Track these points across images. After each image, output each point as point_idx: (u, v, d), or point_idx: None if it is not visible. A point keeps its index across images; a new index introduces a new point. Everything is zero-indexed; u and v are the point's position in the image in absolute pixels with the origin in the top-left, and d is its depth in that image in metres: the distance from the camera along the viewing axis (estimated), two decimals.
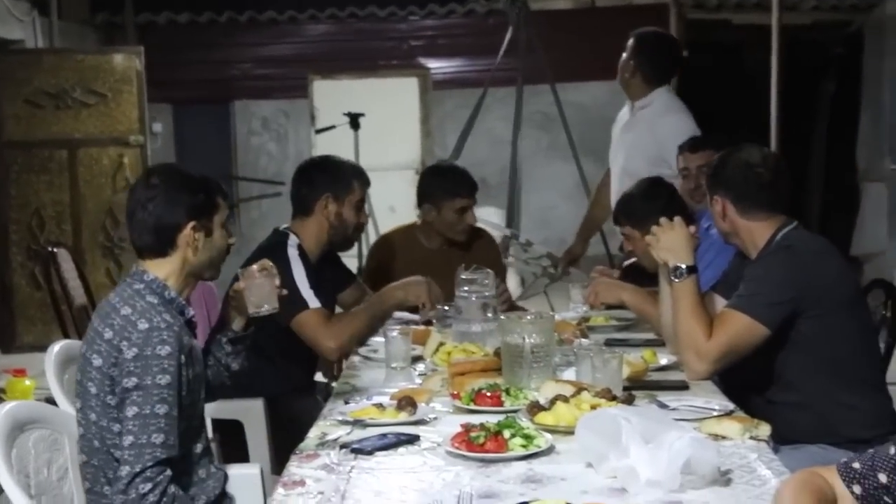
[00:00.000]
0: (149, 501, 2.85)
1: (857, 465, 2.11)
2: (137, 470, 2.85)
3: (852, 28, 11.64)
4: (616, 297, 4.45)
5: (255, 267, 3.47)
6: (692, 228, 3.77)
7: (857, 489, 2.09)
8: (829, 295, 3.52)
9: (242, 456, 4.16)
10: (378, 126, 10.78)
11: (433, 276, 4.57)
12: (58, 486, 3.16)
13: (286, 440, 4.22)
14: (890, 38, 10.50)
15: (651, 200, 4.26)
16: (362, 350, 4.27)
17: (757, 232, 3.64)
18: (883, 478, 2.08)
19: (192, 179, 3.18)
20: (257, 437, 4.25)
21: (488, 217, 8.19)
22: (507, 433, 2.87)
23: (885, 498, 2.08)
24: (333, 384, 4.57)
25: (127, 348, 2.94)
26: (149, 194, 3.11)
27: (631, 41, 5.94)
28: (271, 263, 3.52)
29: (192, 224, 3.12)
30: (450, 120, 12.03)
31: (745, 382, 3.65)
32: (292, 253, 4.32)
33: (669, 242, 3.72)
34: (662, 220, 3.78)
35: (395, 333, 3.87)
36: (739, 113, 11.78)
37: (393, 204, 10.84)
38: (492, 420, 2.98)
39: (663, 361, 3.83)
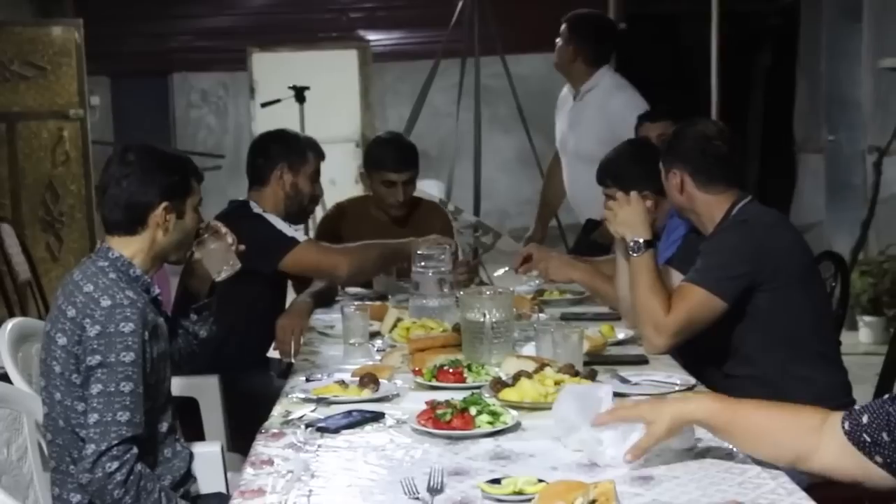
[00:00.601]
0: (115, 480, 2.84)
1: (865, 418, 2.19)
2: (103, 448, 2.84)
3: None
4: (566, 276, 4.47)
5: (205, 235, 3.44)
6: (649, 203, 3.79)
7: (866, 437, 2.17)
8: (784, 268, 3.56)
9: (197, 433, 4.14)
10: (318, 99, 10.70)
11: None
12: (17, 466, 3.13)
13: (241, 417, 4.24)
14: (826, 10, 10.59)
15: (639, 163, 4.15)
16: (319, 326, 4.27)
17: (714, 205, 3.67)
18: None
19: (168, 159, 3.17)
20: (213, 414, 4.23)
21: (428, 189, 8.21)
22: (473, 410, 2.88)
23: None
24: (289, 359, 4.57)
25: (90, 325, 2.92)
26: (124, 171, 3.08)
27: (564, 27, 5.98)
28: (219, 223, 3.50)
29: (164, 204, 3.10)
30: (390, 93, 12.02)
31: (702, 356, 3.69)
32: (258, 210, 4.39)
33: (626, 217, 3.74)
34: (619, 194, 3.80)
35: (351, 309, 3.87)
36: (677, 84, 11.87)
37: (333, 177, 10.77)
38: (456, 397, 2.98)
39: (621, 336, 3.87)
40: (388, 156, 5.21)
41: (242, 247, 3.52)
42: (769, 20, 12.28)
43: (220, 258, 3.43)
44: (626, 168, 4.17)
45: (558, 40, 5.95)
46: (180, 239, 3.21)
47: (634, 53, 11.80)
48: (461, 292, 3.76)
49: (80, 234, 9.24)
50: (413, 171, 5.24)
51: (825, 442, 2.32)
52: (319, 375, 3.49)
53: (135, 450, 2.89)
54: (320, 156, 4.65)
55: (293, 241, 4.34)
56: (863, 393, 3.72)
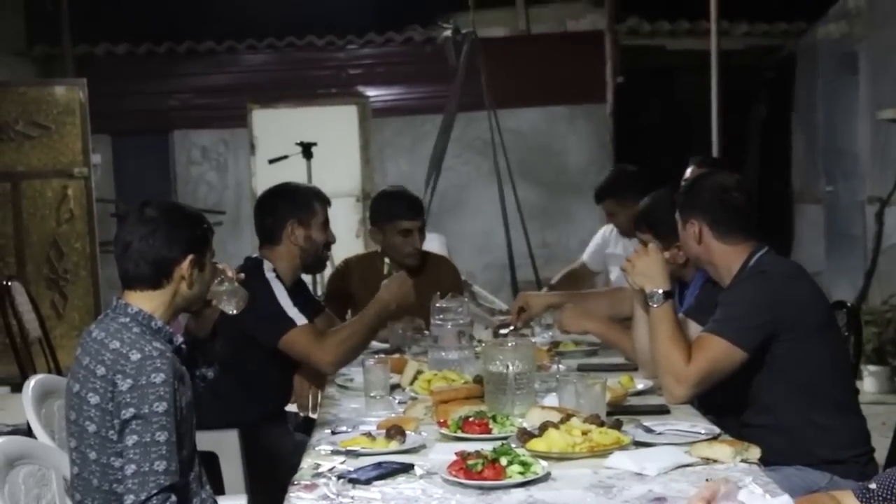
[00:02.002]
0: None
1: (873, 485, 2.18)
2: (143, 498, 2.86)
3: (783, 52, 11.85)
4: (580, 327, 4.51)
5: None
6: (667, 254, 3.83)
7: None
8: (802, 318, 3.59)
9: (216, 487, 4.16)
10: (319, 154, 10.79)
11: None
12: None
13: (259, 471, 4.27)
14: (822, 62, 10.71)
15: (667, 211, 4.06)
16: (339, 380, 4.30)
17: (732, 256, 3.71)
18: None
19: (189, 213, 3.23)
20: (233, 468, 4.25)
21: (429, 242, 8.25)
22: (503, 460, 2.91)
23: None
24: (305, 414, 4.59)
25: (122, 380, 2.94)
26: (149, 226, 3.12)
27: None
28: (224, 264, 3.52)
29: (190, 258, 3.15)
30: (389, 147, 12.09)
31: (721, 406, 3.72)
32: (270, 276, 4.40)
33: (645, 268, 3.78)
34: (637, 246, 3.84)
35: (372, 362, 3.90)
36: (670, 135, 11.98)
37: (334, 232, 10.81)
38: (482, 448, 3.00)
39: (640, 386, 3.89)
40: (402, 205, 5.29)
41: (242, 275, 3.54)
42: (764, 73, 12.39)
43: (233, 296, 3.47)
44: (663, 216, 4.18)
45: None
46: (201, 290, 3.26)
47: (631, 106, 11.94)
48: (483, 345, 3.79)
49: (84, 291, 9.28)
50: (423, 219, 5.32)
51: None
52: (345, 428, 3.51)
53: (174, 498, 2.92)
54: (326, 202, 4.69)
55: (291, 324, 4.30)
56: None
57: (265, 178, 11.98)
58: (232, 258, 12.42)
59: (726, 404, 3.72)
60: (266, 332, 4.30)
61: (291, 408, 4.67)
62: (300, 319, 4.31)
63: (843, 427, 3.65)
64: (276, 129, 11.81)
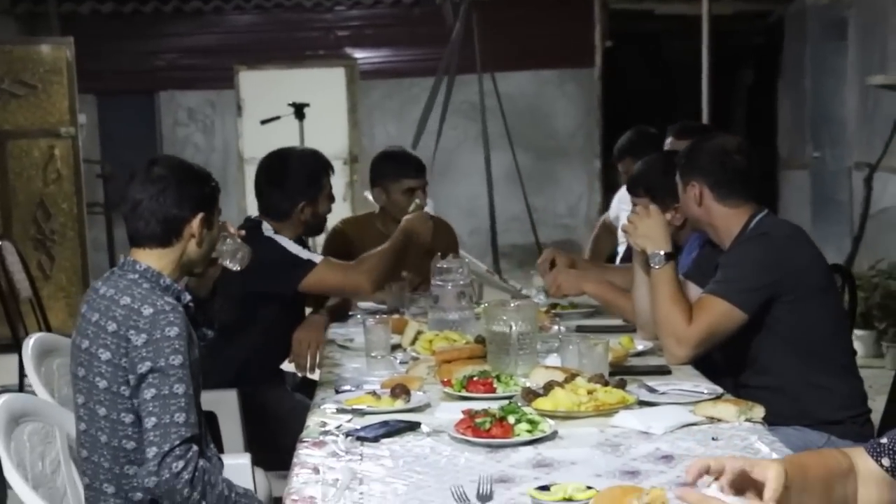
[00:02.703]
0: (183, 479, 2.87)
1: (884, 440, 2.19)
2: (166, 449, 2.87)
3: (772, 18, 11.84)
4: (577, 289, 4.52)
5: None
6: (668, 215, 3.84)
7: (885, 462, 2.16)
8: (803, 279, 3.61)
9: (216, 447, 4.16)
10: (307, 116, 10.79)
11: None
12: (51, 479, 3.15)
13: (257, 430, 4.27)
14: (810, 28, 10.71)
15: (671, 174, 3.99)
16: (339, 339, 4.30)
17: (732, 219, 3.72)
18: None
19: (199, 171, 3.23)
20: (231, 427, 4.25)
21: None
22: (511, 419, 2.92)
23: None
24: (304, 374, 4.60)
25: (135, 335, 2.95)
26: (159, 185, 3.11)
27: None
28: (226, 221, 3.50)
29: (200, 216, 3.14)
30: (377, 110, 12.07)
31: (719, 366, 3.74)
32: (269, 234, 4.40)
33: (647, 230, 3.78)
34: (639, 207, 3.85)
35: (373, 322, 3.91)
36: (657, 100, 11.98)
37: None
38: (487, 407, 3.01)
39: (640, 347, 3.91)
40: (407, 164, 5.26)
41: (243, 232, 3.56)
42: (752, 38, 12.39)
43: (236, 252, 3.48)
44: (657, 179, 4.19)
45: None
46: (209, 249, 3.26)
47: (619, 70, 11.94)
48: (485, 304, 3.79)
49: (72, 252, 9.25)
50: (426, 179, 5.31)
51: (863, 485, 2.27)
52: (348, 387, 3.52)
53: (195, 447, 2.93)
54: (331, 169, 4.68)
55: (311, 264, 4.35)
56: None
57: (253, 140, 12.00)
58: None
59: (725, 365, 3.74)
60: (284, 279, 4.32)
61: (288, 367, 4.67)
62: (317, 258, 4.40)
63: (842, 388, 3.68)
64: (264, 91, 11.77)
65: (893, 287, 7.88)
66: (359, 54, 12.13)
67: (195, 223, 3.15)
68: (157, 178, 3.13)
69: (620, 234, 6.17)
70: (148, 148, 11.83)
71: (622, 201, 6.43)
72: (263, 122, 9.12)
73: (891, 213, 8.72)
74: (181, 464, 2.88)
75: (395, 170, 5.24)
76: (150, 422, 2.90)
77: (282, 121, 9.31)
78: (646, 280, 3.86)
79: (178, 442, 2.89)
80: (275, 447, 3.85)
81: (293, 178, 4.53)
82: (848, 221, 9.63)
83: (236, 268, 3.49)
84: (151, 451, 2.89)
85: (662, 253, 3.72)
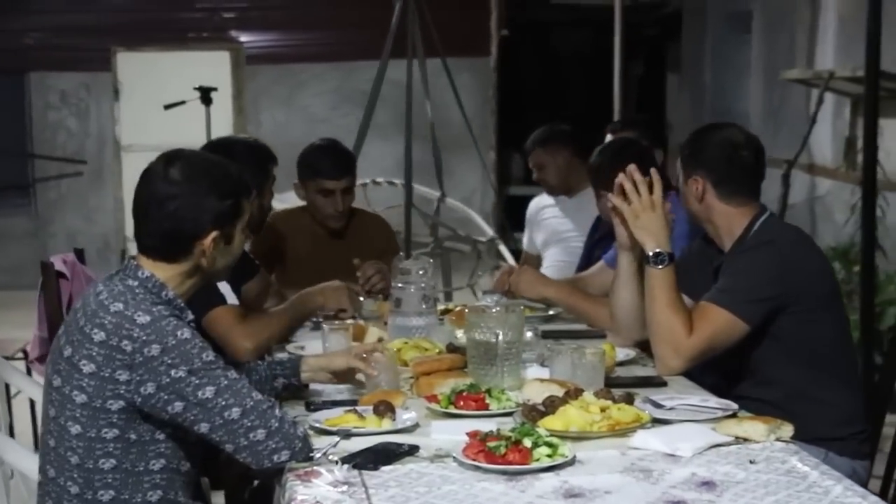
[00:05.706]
0: (301, 431, 2.70)
1: None
2: (278, 417, 2.67)
3: (668, 9, 11.74)
4: (538, 293, 4.24)
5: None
6: (667, 205, 3.52)
7: None
8: (811, 289, 3.37)
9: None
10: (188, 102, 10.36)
11: (323, 259, 4.50)
12: None
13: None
14: (711, 20, 10.61)
15: (620, 161, 3.70)
16: (290, 347, 3.90)
17: (734, 219, 3.45)
18: None
19: (222, 178, 2.78)
20: None
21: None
22: (527, 441, 2.61)
23: None
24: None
25: (141, 347, 2.59)
26: (169, 191, 2.70)
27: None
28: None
29: (214, 234, 2.75)
30: (264, 97, 11.65)
31: (714, 378, 3.47)
32: None
33: (650, 223, 3.44)
34: (644, 196, 3.48)
35: (332, 328, 3.55)
36: (546, 90, 11.83)
37: None
38: (481, 426, 2.74)
39: (621, 356, 3.61)
40: (325, 162, 4.86)
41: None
42: (644, 30, 12.28)
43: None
44: (609, 171, 3.85)
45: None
46: (227, 263, 2.87)
47: (512, 59, 11.72)
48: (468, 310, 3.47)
49: None
50: (351, 178, 4.89)
51: None
52: (316, 399, 3.17)
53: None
54: (275, 161, 4.28)
55: (219, 300, 3.80)
56: None
57: (131, 127, 11.47)
58: (94, 212, 11.86)
59: (721, 377, 3.48)
60: (197, 302, 3.87)
61: None
62: (231, 298, 3.84)
63: (843, 403, 3.45)
64: (143, 74, 11.26)
65: None
66: (245, 38, 11.67)
67: (207, 241, 2.75)
68: (170, 182, 2.72)
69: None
70: (16, 132, 11.28)
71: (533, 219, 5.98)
72: (167, 106, 8.67)
73: (797, 210, 8.66)
74: (291, 421, 2.70)
75: (310, 167, 4.86)
76: (234, 412, 2.62)
77: (159, 107, 8.88)
78: (631, 275, 3.57)
79: (276, 406, 2.69)
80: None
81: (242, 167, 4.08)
82: None
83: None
84: (261, 433, 2.62)
85: (665, 253, 3.41)
